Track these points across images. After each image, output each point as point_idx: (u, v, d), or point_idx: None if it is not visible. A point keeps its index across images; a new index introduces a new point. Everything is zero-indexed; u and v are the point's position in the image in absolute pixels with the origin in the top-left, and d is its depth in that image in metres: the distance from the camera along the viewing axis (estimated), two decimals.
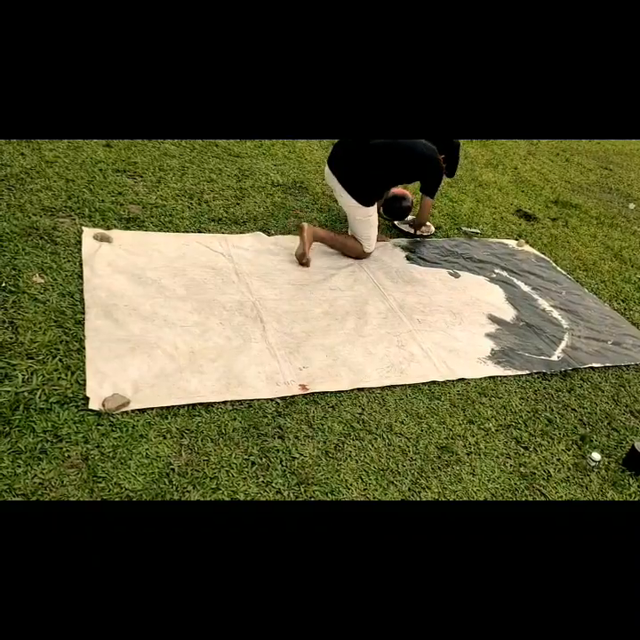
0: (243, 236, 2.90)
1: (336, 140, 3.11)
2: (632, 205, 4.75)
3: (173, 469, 1.61)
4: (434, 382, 2.20)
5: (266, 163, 3.87)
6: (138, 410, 1.75)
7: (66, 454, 1.57)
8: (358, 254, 2.96)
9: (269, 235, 3.01)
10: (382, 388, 2.11)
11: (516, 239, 3.62)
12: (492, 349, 2.47)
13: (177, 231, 2.80)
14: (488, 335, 2.57)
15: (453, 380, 2.23)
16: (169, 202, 3.02)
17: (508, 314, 2.77)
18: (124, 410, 1.73)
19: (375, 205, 2.92)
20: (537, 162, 5.27)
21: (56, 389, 1.74)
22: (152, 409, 1.76)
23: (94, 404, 1.71)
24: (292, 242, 2.98)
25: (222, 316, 2.25)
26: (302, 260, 2.76)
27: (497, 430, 2.07)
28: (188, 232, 2.83)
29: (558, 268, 3.41)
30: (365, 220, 2.89)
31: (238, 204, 3.25)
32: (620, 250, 3.86)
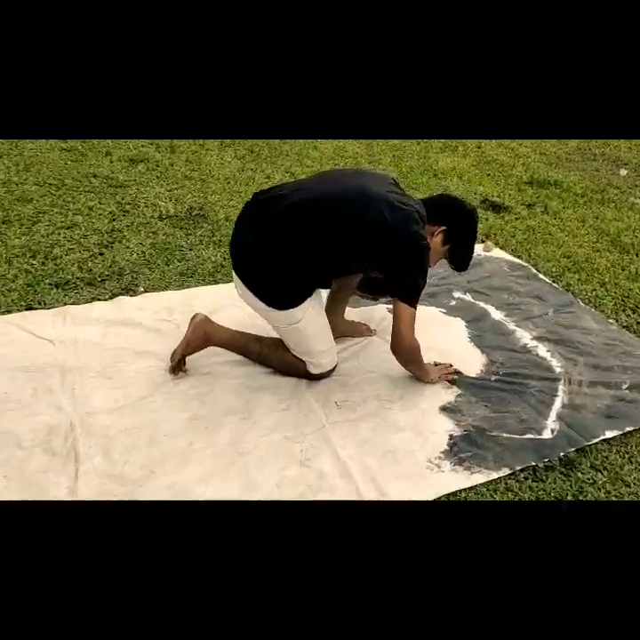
0: (93, 305, 2.07)
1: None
2: (623, 171, 3.89)
3: None
4: None
5: (158, 189, 3.07)
6: None
7: None
8: (304, 376, 1.79)
9: (136, 294, 2.19)
10: None
11: (482, 242, 2.78)
12: (451, 437, 1.62)
13: None
14: (444, 410, 1.73)
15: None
16: None
17: (474, 364, 1.93)
18: None
19: (305, 306, 1.65)
20: None
21: None
22: None
23: None
24: (167, 300, 2.16)
25: (11, 462, 1.42)
26: (171, 369, 1.77)
27: None
28: (9, 312, 2.01)
29: (540, 276, 2.56)
30: (289, 328, 1.70)
31: (102, 253, 2.43)
32: (618, 233, 3.01)
